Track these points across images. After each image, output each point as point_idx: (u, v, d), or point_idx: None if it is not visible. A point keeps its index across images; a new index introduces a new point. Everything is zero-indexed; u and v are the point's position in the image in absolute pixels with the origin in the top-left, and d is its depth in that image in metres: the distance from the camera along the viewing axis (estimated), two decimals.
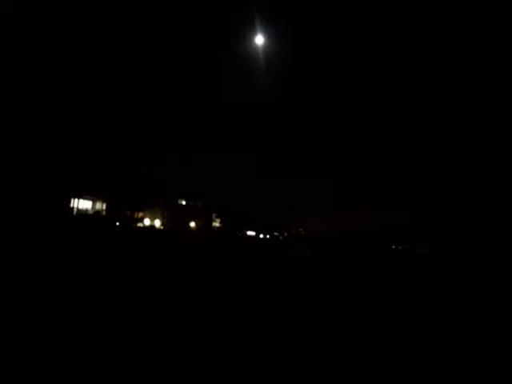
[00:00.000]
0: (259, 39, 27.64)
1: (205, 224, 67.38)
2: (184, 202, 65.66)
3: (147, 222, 53.12)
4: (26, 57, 23.03)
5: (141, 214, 52.21)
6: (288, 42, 48.86)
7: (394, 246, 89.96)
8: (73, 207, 37.08)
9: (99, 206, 43.27)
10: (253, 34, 30.10)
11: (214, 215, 76.19)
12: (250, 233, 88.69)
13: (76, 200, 38.16)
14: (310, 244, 66.92)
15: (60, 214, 29.85)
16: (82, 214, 38.26)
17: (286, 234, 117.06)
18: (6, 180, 23.88)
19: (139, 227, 46.44)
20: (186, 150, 78.51)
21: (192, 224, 62.65)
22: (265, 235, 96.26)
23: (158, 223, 54.79)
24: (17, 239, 15.16)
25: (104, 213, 42.24)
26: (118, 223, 39.77)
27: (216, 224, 77.33)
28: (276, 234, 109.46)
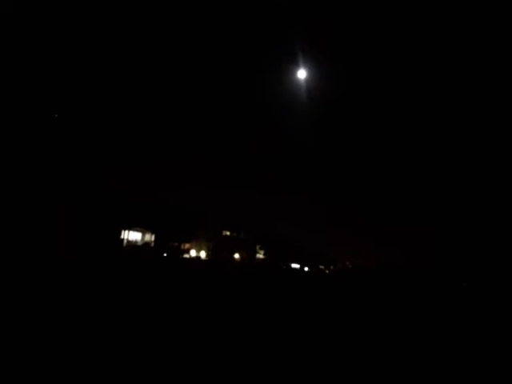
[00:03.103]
0: (302, 73, 27.78)
1: (249, 256, 67.37)
2: (228, 233, 66.42)
3: (193, 253, 54.10)
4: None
5: (187, 246, 53.40)
6: (333, 75, 48.50)
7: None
8: (123, 239, 38.78)
9: (148, 237, 44.90)
10: (295, 68, 30.15)
11: (257, 247, 76.09)
12: (295, 265, 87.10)
13: (126, 232, 39.94)
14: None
15: (112, 245, 31.32)
16: (132, 245, 39.85)
17: (332, 267, 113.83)
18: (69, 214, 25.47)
19: (185, 258, 47.36)
20: (233, 187, 79.56)
21: (236, 255, 62.90)
22: (310, 268, 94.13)
23: (203, 254, 55.61)
24: (76, 268, 16.07)
25: (152, 244, 43.71)
26: (165, 254, 40.91)
27: (260, 256, 76.98)
28: (321, 267, 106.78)
